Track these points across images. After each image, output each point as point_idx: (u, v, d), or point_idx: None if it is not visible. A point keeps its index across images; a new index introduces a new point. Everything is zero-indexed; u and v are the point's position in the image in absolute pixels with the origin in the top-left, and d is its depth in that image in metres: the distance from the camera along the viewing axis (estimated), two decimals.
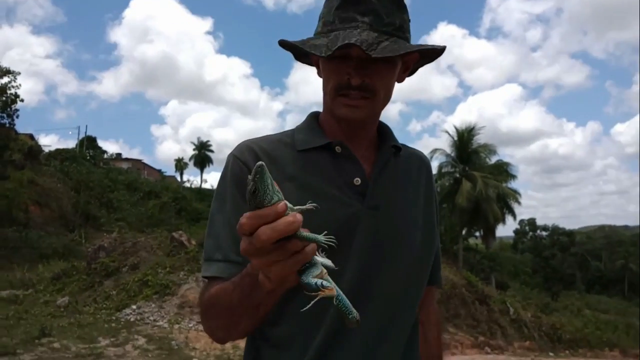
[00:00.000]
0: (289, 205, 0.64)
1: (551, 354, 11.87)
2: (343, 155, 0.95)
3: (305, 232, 0.64)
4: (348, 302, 0.66)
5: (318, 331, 0.88)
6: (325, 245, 0.66)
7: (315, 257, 0.67)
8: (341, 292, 0.66)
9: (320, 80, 1.00)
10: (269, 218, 0.61)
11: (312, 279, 0.65)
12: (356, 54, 0.88)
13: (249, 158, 0.95)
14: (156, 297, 8.79)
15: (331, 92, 0.93)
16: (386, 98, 0.96)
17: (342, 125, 0.97)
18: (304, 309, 0.65)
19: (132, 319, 8.16)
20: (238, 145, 0.99)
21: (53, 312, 8.67)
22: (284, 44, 0.94)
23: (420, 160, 1.09)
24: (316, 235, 0.65)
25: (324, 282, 0.65)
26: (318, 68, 1.00)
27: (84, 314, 8.45)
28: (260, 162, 0.62)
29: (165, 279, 9.16)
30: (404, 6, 0.94)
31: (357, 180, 0.94)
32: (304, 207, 0.67)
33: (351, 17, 0.88)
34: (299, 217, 0.62)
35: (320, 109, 1.05)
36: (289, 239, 0.63)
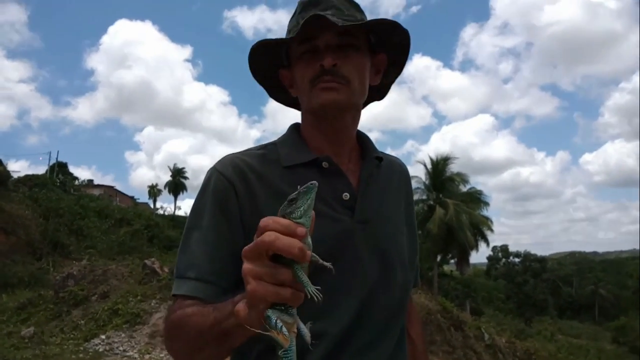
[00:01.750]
0: (309, 242, 0.62)
1: None
2: (330, 171, 0.95)
3: (302, 273, 0.61)
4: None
5: (319, 349, 0.84)
6: (309, 295, 0.61)
7: (297, 316, 0.64)
8: (294, 353, 0.62)
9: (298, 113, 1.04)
10: (284, 229, 0.60)
11: (276, 318, 0.61)
12: (324, 44, 0.91)
13: (233, 174, 0.91)
14: (126, 326, 8.54)
15: (307, 87, 0.94)
16: (361, 89, 0.96)
17: (326, 133, 0.98)
18: (264, 333, 0.61)
19: (100, 349, 7.90)
20: (222, 159, 0.96)
21: (16, 343, 8.34)
22: (254, 71, 1.02)
23: (399, 168, 1.12)
24: (308, 282, 0.61)
25: (284, 329, 0.61)
26: (290, 87, 1.02)
27: (50, 344, 8.15)
28: (315, 182, 0.63)
29: (136, 308, 8.93)
30: (361, 10, 0.98)
31: (346, 195, 0.94)
32: (321, 261, 0.63)
33: (310, 12, 0.90)
34: (309, 253, 0.60)
35: None
36: (286, 265, 0.61)
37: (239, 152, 0.99)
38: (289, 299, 0.61)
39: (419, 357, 1.15)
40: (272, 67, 1.02)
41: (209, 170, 0.95)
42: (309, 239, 0.63)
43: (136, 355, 7.70)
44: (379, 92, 1.09)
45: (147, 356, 7.68)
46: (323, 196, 0.90)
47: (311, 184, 0.62)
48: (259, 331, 0.61)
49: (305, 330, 0.66)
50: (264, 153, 0.98)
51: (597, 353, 21.08)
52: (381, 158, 1.05)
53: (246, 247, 0.63)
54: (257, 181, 0.90)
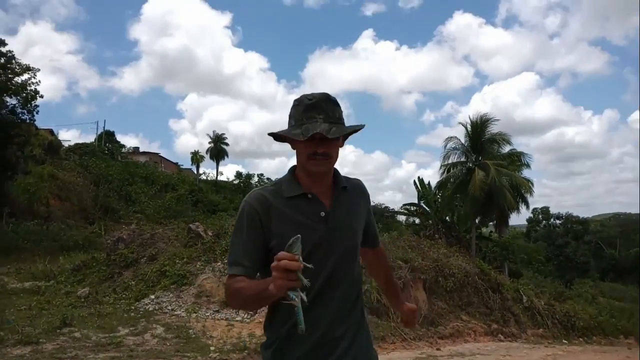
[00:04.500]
0: (301, 259, 1.28)
1: (565, 341, 11.89)
2: (313, 200, 1.60)
3: (300, 274, 1.28)
4: (302, 317, 1.31)
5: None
6: (305, 283, 1.30)
7: (299, 290, 1.31)
8: (301, 310, 1.31)
9: (294, 151, 1.64)
10: (290, 258, 1.26)
11: (292, 294, 1.30)
12: (319, 136, 1.50)
13: (257, 204, 1.58)
14: (174, 287, 8.98)
15: (305, 158, 1.56)
16: (336, 158, 1.62)
17: (312, 177, 1.60)
18: (284, 301, 1.32)
19: (150, 309, 8.37)
20: (251, 195, 1.63)
21: (74, 302, 8.89)
22: (273, 135, 1.62)
23: (359, 187, 1.78)
24: (303, 278, 1.29)
25: (296, 299, 1.31)
26: (292, 144, 1.62)
27: (104, 304, 8.66)
28: (298, 236, 1.29)
29: (182, 269, 9.34)
30: (339, 104, 1.61)
31: (322, 214, 1.59)
32: (308, 265, 1.32)
33: (312, 116, 1.53)
34: (301, 265, 1.27)
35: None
36: (292, 272, 1.26)
37: (261, 188, 1.67)
38: (295, 286, 1.30)
39: (385, 268, 2.05)
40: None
41: (242, 201, 1.64)
42: (301, 259, 1.28)
43: (184, 314, 8.13)
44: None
45: (194, 315, 8.10)
46: (309, 215, 1.57)
47: (297, 237, 1.28)
48: (284, 301, 1.33)
49: (303, 296, 1.32)
50: (275, 189, 1.63)
51: None
52: (346, 186, 1.68)
53: (273, 265, 1.26)
54: (271, 208, 1.57)
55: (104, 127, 43.05)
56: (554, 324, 12.58)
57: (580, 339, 12.41)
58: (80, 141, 38.51)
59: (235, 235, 1.61)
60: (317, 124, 1.50)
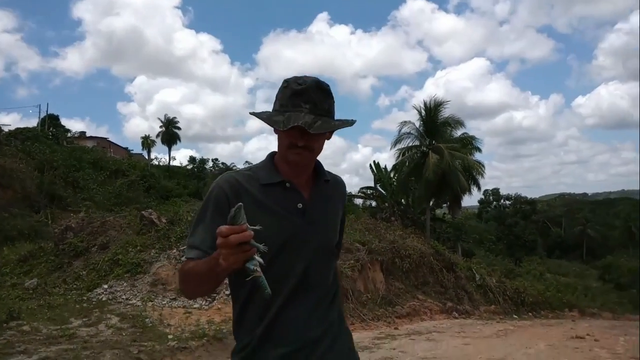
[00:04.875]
0: (248, 226, 1.14)
1: (515, 316, 12.42)
2: (290, 189, 1.48)
3: (253, 241, 1.15)
4: (266, 282, 1.17)
5: (278, 297, 1.40)
6: (262, 249, 1.18)
7: (255, 256, 1.17)
8: (263, 277, 1.17)
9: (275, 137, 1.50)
10: (237, 230, 1.13)
11: (250, 265, 1.17)
12: (299, 130, 1.37)
13: (228, 188, 1.46)
14: (128, 276, 8.72)
15: (285, 147, 1.44)
16: (319, 151, 1.49)
17: (291, 167, 1.48)
18: (247, 279, 1.18)
19: (103, 299, 8.11)
20: (222, 176, 1.52)
21: (21, 294, 8.50)
22: (255, 114, 1.47)
23: (340, 184, 1.67)
24: (257, 244, 1.16)
25: (257, 269, 1.17)
26: (275, 131, 1.48)
27: (54, 295, 8.32)
28: (240, 204, 1.14)
29: (136, 258, 9.09)
30: (331, 94, 1.47)
31: (300, 205, 1.47)
32: (256, 227, 1.16)
33: (298, 104, 1.39)
34: (252, 233, 1.14)
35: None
36: (245, 243, 1.14)
37: (235, 172, 1.54)
38: (252, 254, 1.16)
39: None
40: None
41: (213, 183, 1.51)
42: (248, 226, 1.14)
43: (139, 303, 7.92)
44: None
45: (150, 303, 7.91)
46: (285, 205, 1.46)
47: (239, 205, 1.14)
48: (247, 278, 1.18)
49: (261, 261, 1.19)
50: (250, 174, 1.50)
51: (583, 290, 21.80)
52: (328, 180, 1.59)
53: (220, 242, 1.13)
54: (244, 193, 1.44)
55: (46, 111, 41.15)
56: (505, 300, 13.12)
57: (530, 314, 13.00)
58: (22, 125, 36.71)
59: (199, 218, 1.47)
60: (302, 114, 1.37)
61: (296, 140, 1.39)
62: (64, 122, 47.28)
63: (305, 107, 1.38)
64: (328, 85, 1.47)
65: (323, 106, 1.42)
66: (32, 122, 42.21)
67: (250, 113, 1.48)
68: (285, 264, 1.41)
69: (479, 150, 29.10)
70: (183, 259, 1.49)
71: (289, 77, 1.48)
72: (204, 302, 8.14)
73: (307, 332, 1.44)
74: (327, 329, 1.49)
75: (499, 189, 61.52)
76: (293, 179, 1.48)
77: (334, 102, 1.47)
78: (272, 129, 1.48)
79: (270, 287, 1.20)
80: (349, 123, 1.45)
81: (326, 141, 1.54)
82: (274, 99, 1.47)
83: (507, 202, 58.88)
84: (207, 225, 1.40)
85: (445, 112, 26.73)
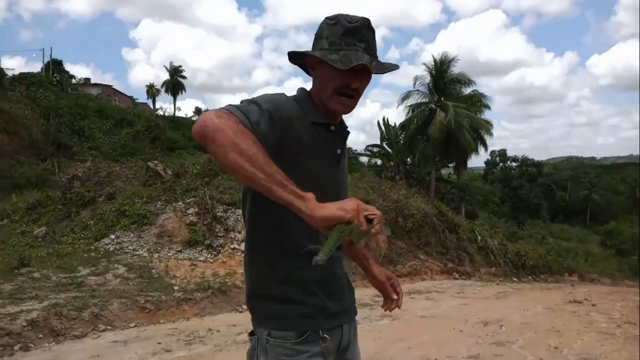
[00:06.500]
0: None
1: (515, 279, 12.57)
2: (334, 133, 1.40)
3: (380, 226, 1.12)
4: (329, 250, 1.07)
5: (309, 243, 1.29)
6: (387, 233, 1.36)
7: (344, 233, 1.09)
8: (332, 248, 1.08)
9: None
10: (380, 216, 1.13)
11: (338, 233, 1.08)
12: (359, 68, 1.28)
13: (295, 106, 1.32)
14: (134, 226, 8.83)
15: (332, 90, 1.32)
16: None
17: (329, 112, 1.38)
18: (322, 239, 1.11)
19: (111, 249, 8.25)
20: (290, 100, 1.35)
21: (31, 242, 8.69)
22: (293, 53, 1.40)
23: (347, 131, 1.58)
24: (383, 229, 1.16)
25: (339, 242, 1.09)
26: (315, 69, 1.36)
27: (62, 244, 8.48)
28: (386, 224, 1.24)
29: (142, 209, 9.17)
30: (375, 33, 1.37)
31: (338, 151, 1.42)
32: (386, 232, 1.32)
33: (352, 42, 1.30)
34: (381, 214, 1.14)
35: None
36: (370, 222, 1.12)
37: (292, 98, 1.37)
38: (354, 228, 1.09)
39: None
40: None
41: (284, 96, 1.35)
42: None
43: (145, 254, 8.06)
44: None
45: (156, 255, 8.04)
46: (327, 149, 1.38)
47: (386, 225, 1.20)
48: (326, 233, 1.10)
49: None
50: (299, 107, 1.35)
51: (584, 255, 21.98)
52: (349, 132, 1.51)
53: (351, 201, 1.12)
54: (299, 126, 1.30)
55: (50, 56, 40.61)
56: (506, 262, 13.24)
57: (530, 277, 13.15)
58: (26, 70, 36.34)
59: (264, 101, 1.24)
60: (359, 53, 1.28)
61: (350, 81, 1.30)
62: (68, 67, 46.91)
63: (360, 46, 1.29)
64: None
65: (375, 46, 1.35)
66: (36, 67, 41.94)
67: (290, 52, 1.39)
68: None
69: (488, 107, 28.66)
70: (238, 112, 1.17)
71: (321, 18, 1.38)
72: (209, 255, 8.27)
73: (335, 270, 1.43)
74: (345, 275, 1.51)
75: (505, 150, 61.26)
76: (332, 122, 1.40)
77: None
78: (308, 72, 1.41)
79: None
80: (395, 67, 1.37)
81: None
82: (314, 37, 1.37)
83: (514, 164, 58.63)
84: (267, 113, 1.21)
85: (455, 69, 26.26)
